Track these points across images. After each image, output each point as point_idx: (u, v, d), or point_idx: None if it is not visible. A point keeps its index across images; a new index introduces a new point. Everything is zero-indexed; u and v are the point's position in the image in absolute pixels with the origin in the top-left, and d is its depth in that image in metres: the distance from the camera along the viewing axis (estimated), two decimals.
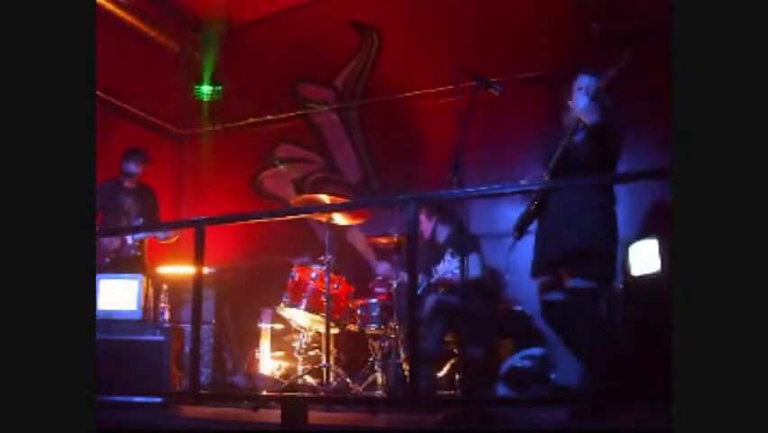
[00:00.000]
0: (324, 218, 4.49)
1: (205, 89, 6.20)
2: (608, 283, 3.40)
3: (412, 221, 2.74)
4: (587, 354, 3.18)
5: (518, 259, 3.98)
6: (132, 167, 4.96)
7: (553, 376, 3.92)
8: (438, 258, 4.57)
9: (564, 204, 3.28)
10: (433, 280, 4.44)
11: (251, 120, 6.37)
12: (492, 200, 4.96)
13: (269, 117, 6.30)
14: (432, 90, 5.48)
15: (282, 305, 4.48)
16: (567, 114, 3.44)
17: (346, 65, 6.13)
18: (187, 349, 4.10)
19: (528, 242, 3.64)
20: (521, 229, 3.50)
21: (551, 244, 3.30)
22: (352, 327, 4.54)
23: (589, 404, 2.81)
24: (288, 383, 4.33)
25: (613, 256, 3.26)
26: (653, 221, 4.27)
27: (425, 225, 4.63)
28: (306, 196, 4.80)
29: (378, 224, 4.80)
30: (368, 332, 4.48)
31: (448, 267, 4.30)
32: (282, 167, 5.36)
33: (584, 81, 3.37)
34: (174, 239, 4.93)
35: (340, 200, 4.47)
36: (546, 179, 3.33)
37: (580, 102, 3.18)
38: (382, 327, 4.39)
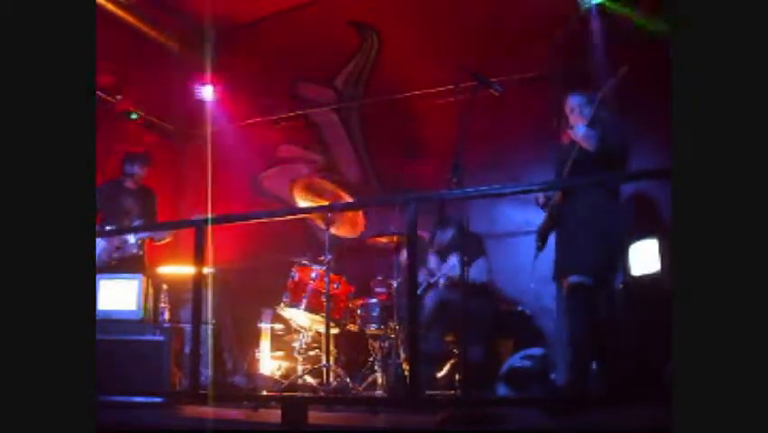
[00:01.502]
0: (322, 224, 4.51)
1: (206, 89, 6.20)
2: (604, 282, 3.49)
3: (412, 221, 2.74)
4: (570, 347, 3.32)
5: (519, 260, 3.99)
6: (136, 168, 5.00)
7: (552, 376, 3.92)
8: (442, 260, 4.57)
9: (579, 215, 3.48)
10: (435, 279, 4.45)
11: (251, 120, 6.36)
12: (492, 200, 4.96)
13: (269, 117, 6.30)
14: (432, 90, 5.47)
15: (282, 305, 4.48)
16: (567, 133, 3.60)
17: (346, 65, 6.13)
18: (187, 349, 4.10)
19: (530, 245, 3.72)
20: (543, 240, 3.72)
21: (569, 253, 3.50)
22: (352, 327, 4.54)
23: (589, 404, 2.82)
24: (288, 383, 4.33)
25: (616, 259, 3.53)
26: (653, 221, 4.26)
27: (423, 235, 4.63)
28: (310, 180, 4.81)
29: (378, 224, 4.80)
30: (368, 332, 4.48)
31: (451, 269, 4.31)
32: None
33: (574, 101, 3.52)
34: (167, 239, 4.95)
35: (340, 192, 4.49)
36: (559, 192, 3.58)
37: (579, 130, 3.31)
38: (382, 327, 4.39)
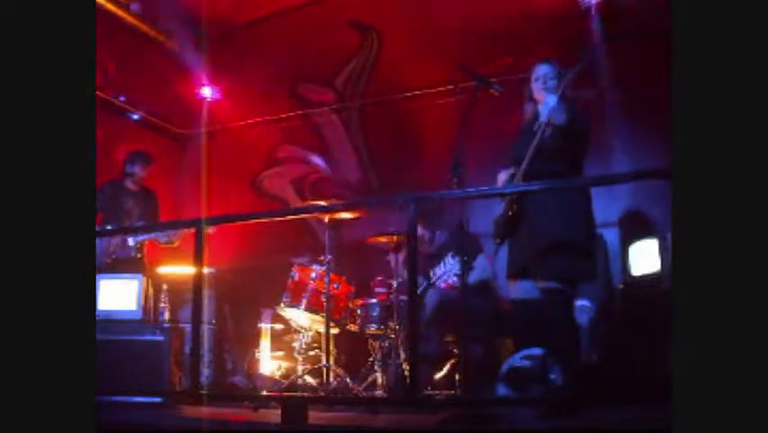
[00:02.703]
0: (326, 218, 4.50)
1: (206, 89, 6.21)
2: (584, 282, 3.41)
3: (412, 221, 2.74)
4: (556, 354, 3.25)
5: None
6: (137, 168, 4.99)
7: (552, 376, 3.92)
8: (437, 261, 4.57)
9: (538, 207, 3.30)
10: (432, 281, 4.45)
11: (251, 120, 6.36)
12: (492, 200, 4.95)
13: (269, 117, 6.30)
14: (432, 90, 5.47)
15: (282, 305, 4.48)
16: (527, 104, 3.49)
17: (346, 65, 6.13)
18: (187, 349, 4.10)
19: None
20: (502, 236, 3.51)
21: (526, 247, 3.33)
22: (352, 327, 4.54)
23: (589, 404, 2.82)
24: (287, 383, 4.33)
25: (589, 254, 3.29)
26: (652, 221, 4.27)
27: (422, 234, 4.62)
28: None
29: (378, 223, 4.80)
30: (368, 332, 4.48)
31: (449, 269, 4.31)
32: None
33: (542, 70, 3.42)
34: (176, 243, 4.92)
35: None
36: (519, 179, 3.33)
37: (549, 101, 3.19)
38: (382, 327, 4.39)
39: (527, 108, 3.54)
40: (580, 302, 3.68)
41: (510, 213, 3.43)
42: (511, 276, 3.46)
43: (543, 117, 3.29)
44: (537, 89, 3.45)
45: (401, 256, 4.44)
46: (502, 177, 3.53)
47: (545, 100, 3.25)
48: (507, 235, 3.49)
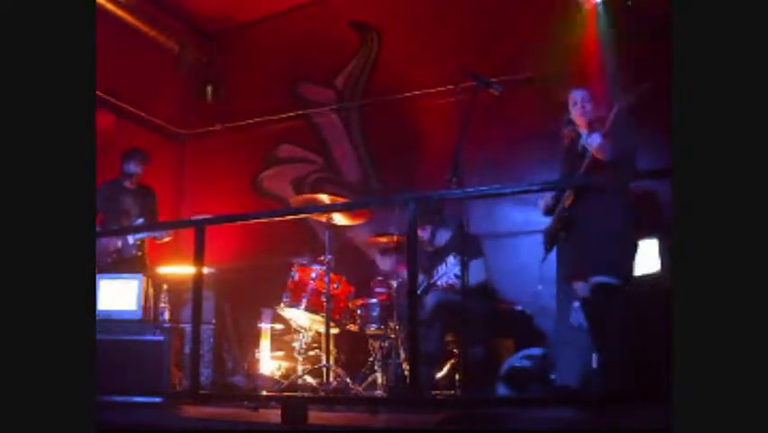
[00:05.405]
0: (323, 218, 4.49)
1: (206, 89, 6.21)
2: (626, 281, 3.52)
3: (412, 221, 2.74)
4: (605, 349, 3.31)
5: (520, 260, 3.98)
6: (132, 167, 4.97)
7: (552, 376, 3.92)
8: (439, 260, 4.57)
9: (595, 216, 3.44)
10: (433, 281, 4.44)
11: (251, 120, 6.36)
12: (492, 200, 4.96)
13: (268, 117, 6.30)
14: (432, 90, 5.47)
15: (282, 305, 4.48)
16: (565, 126, 3.60)
17: (346, 65, 6.13)
18: (187, 349, 4.10)
19: (530, 246, 3.71)
20: (551, 243, 3.69)
21: (584, 255, 3.48)
22: (352, 327, 4.54)
23: (589, 404, 2.82)
24: (287, 383, 4.33)
25: (633, 256, 3.51)
26: (653, 221, 4.26)
27: (422, 233, 4.62)
28: (306, 196, 4.81)
29: (378, 223, 4.80)
30: (368, 332, 4.48)
31: (450, 270, 4.31)
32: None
33: (578, 95, 3.53)
34: (167, 239, 4.93)
35: (340, 200, 4.48)
36: (571, 195, 3.52)
37: (595, 139, 3.26)
38: (382, 327, 4.39)
39: (566, 131, 3.66)
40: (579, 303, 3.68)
41: (559, 223, 3.59)
42: (568, 278, 3.65)
43: (584, 140, 3.45)
44: (577, 114, 3.59)
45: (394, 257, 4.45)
46: (541, 202, 3.74)
47: (590, 140, 3.37)
48: (555, 244, 3.68)
